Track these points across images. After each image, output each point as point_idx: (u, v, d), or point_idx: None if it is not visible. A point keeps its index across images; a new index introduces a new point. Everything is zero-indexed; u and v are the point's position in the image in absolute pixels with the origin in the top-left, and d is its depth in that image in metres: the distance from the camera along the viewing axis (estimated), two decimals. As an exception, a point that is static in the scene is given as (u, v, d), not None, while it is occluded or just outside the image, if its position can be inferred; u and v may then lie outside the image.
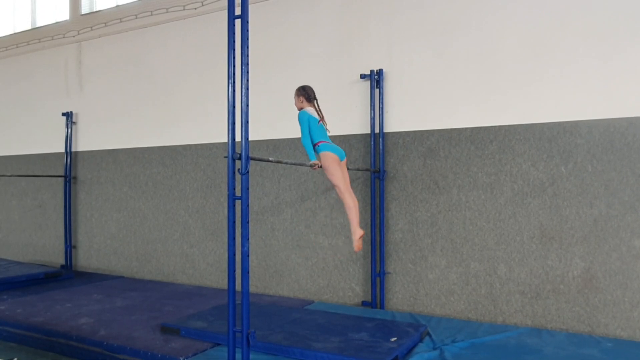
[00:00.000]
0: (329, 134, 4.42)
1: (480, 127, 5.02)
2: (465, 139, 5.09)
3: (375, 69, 5.46)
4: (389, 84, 5.47)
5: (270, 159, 4.29)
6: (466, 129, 5.09)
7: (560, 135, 4.69)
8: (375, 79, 5.44)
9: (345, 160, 4.45)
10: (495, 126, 4.96)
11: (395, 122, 5.45)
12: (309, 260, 5.91)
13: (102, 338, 4.26)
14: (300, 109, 4.43)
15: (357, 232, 4.25)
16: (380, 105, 5.44)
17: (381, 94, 5.44)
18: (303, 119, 4.30)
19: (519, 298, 4.84)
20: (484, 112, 5.01)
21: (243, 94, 3.35)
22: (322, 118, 4.39)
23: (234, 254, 3.40)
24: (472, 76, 5.06)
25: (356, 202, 4.34)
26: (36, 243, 8.50)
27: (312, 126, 4.28)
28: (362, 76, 5.50)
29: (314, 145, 4.29)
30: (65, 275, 7.10)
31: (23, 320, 4.81)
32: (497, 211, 4.94)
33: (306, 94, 4.43)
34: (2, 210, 9.03)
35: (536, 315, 4.76)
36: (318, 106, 4.45)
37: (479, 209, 5.02)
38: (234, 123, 3.37)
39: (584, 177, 4.59)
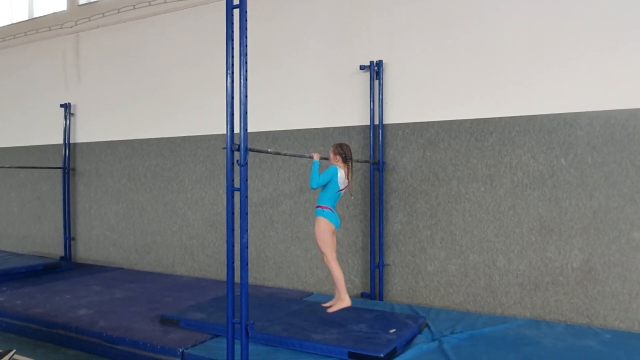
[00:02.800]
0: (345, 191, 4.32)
1: (480, 119, 5.00)
2: (465, 131, 5.07)
3: (375, 60, 5.43)
4: (388, 75, 5.44)
5: (269, 150, 4.27)
6: (466, 120, 5.07)
7: (561, 127, 4.67)
8: (375, 70, 5.41)
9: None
10: (495, 118, 4.94)
11: (395, 114, 5.42)
12: (308, 252, 5.91)
13: (102, 329, 4.27)
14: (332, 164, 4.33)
15: (347, 301, 4.25)
16: (380, 97, 5.41)
17: (381, 86, 5.41)
18: (330, 173, 4.19)
19: (517, 290, 4.84)
20: (484, 103, 4.99)
21: (242, 85, 3.32)
22: (348, 184, 4.29)
23: (233, 246, 3.39)
24: (472, 67, 5.03)
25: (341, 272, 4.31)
26: (35, 235, 8.49)
27: (330, 187, 4.20)
28: (362, 67, 5.47)
29: (319, 207, 4.23)
30: (64, 267, 7.11)
31: (22, 312, 4.82)
32: (496, 203, 4.93)
33: (343, 153, 4.29)
34: (0, 202, 9.02)
35: (535, 306, 4.77)
36: (351, 167, 4.32)
37: (478, 201, 5.01)
38: (232, 114, 3.34)
39: (583, 169, 4.58)
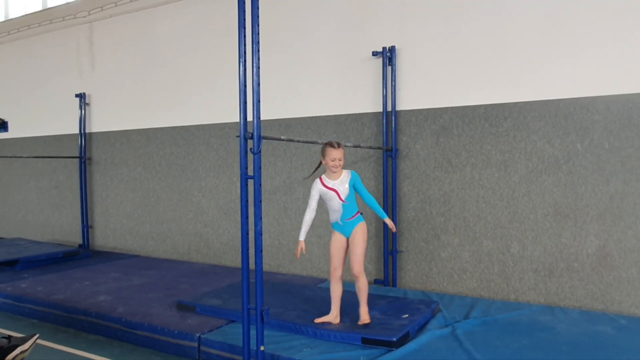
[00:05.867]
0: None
1: (495, 104, 4.95)
2: (479, 117, 5.02)
3: (388, 46, 5.39)
4: (401, 61, 5.40)
5: (282, 137, 4.28)
6: (480, 106, 5.02)
7: (577, 112, 4.60)
8: (388, 56, 5.37)
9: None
10: (509, 103, 4.88)
11: (408, 100, 5.39)
12: (322, 239, 5.94)
13: (121, 315, 4.37)
14: (326, 163, 3.94)
15: (367, 319, 3.90)
16: (393, 83, 5.38)
17: (393, 72, 5.37)
18: (360, 181, 3.94)
19: (532, 276, 4.83)
20: (498, 89, 4.93)
21: (254, 72, 3.33)
22: None
23: (248, 233, 3.43)
24: (486, 52, 4.97)
25: None
26: (54, 223, 8.66)
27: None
28: (374, 53, 5.43)
29: (357, 214, 3.98)
30: (83, 255, 7.25)
31: (44, 298, 4.95)
32: (510, 189, 4.90)
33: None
34: (20, 191, 9.20)
35: (549, 293, 4.75)
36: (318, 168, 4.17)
37: (492, 187, 4.98)
38: (245, 102, 3.35)
39: (600, 154, 4.52)
